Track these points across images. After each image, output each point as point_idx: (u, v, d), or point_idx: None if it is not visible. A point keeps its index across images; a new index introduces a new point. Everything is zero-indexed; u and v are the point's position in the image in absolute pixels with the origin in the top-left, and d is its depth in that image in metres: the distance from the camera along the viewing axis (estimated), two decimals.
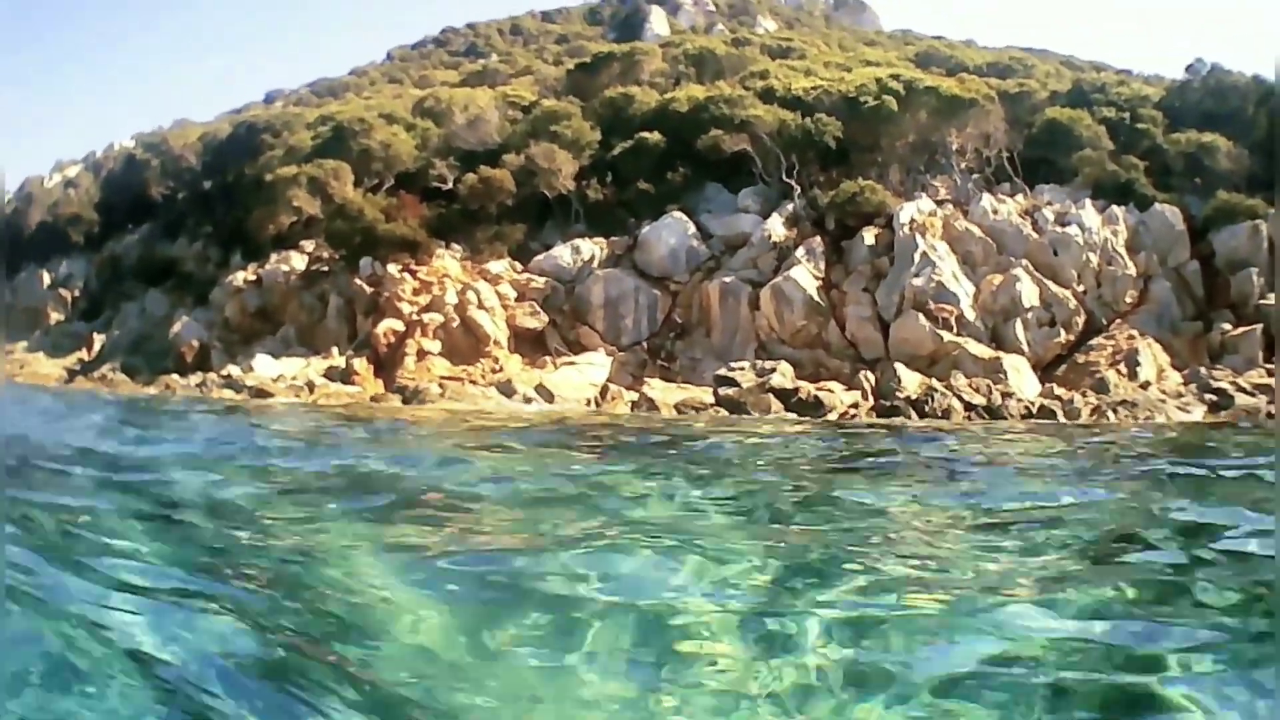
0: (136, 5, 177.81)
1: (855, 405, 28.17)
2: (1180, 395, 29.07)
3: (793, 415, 26.79)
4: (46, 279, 54.20)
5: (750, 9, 78.40)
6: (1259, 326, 31.77)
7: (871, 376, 29.74)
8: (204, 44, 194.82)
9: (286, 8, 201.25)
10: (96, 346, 45.32)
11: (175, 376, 36.13)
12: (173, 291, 45.53)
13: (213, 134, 55.12)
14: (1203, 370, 30.45)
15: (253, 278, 40.03)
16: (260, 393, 31.99)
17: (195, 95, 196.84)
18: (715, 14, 76.07)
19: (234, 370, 35.20)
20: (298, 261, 39.28)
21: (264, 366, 34.98)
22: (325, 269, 38.13)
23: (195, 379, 35.10)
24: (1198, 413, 27.39)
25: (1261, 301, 32.58)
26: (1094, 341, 32.52)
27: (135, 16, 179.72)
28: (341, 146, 40.39)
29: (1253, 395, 28.27)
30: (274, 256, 39.89)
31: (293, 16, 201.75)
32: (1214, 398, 28.26)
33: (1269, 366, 30.63)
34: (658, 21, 72.01)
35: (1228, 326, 32.47)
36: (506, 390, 30.43)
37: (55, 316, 52.14)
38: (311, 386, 32.58)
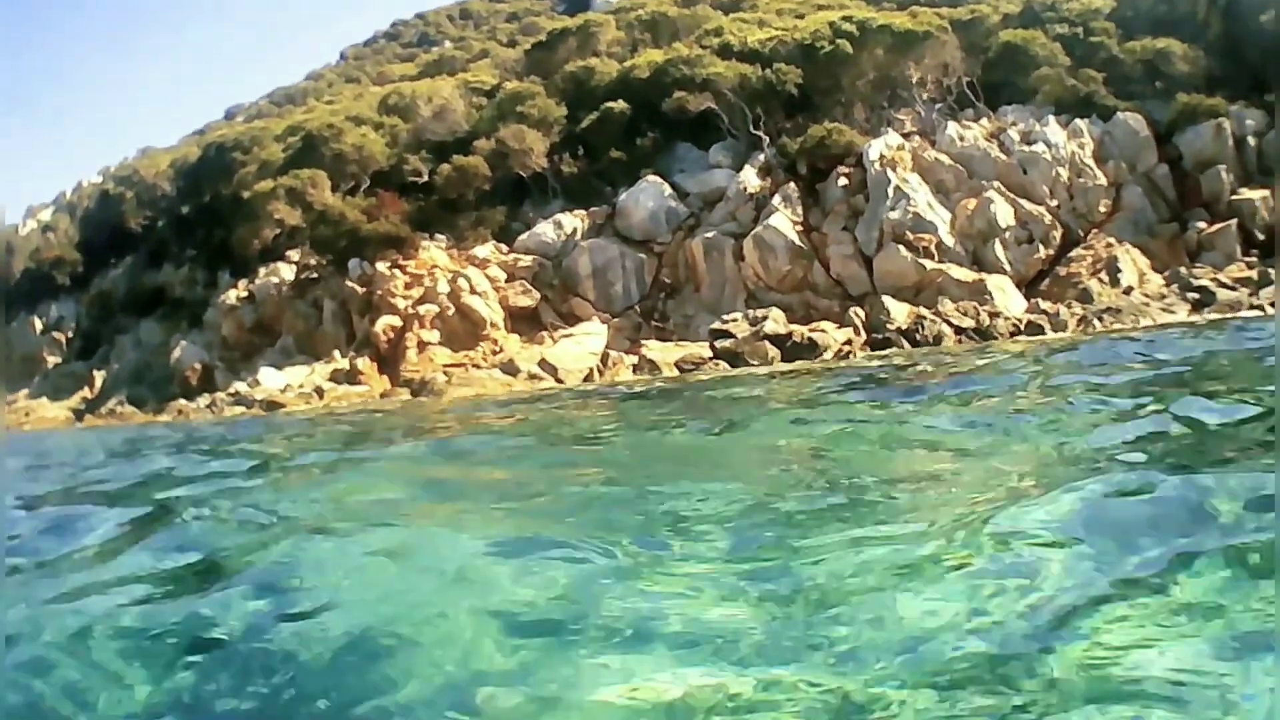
0: (77, 38, 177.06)
1: (849, 342, 28.82)
2: (1163, 297, 29.73)
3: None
4: (39, 325, 54.38)
5: None
6: (1233, 222, 32.42)
7: (861, 312, 30.39)
8: (154, 69, 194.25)
9: (233, 21, 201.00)
10: (99, 383, 45.64)
11: (184, 401, 36.50)
12: (166, 318, 45.91)
13: (182, 158, 55.33)
14: (1183, 270, 31.12)
15: (245, 294, 40.48)
16: (271, 404, 32.42)
17: (153, 121, 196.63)
18: None
19: (240, 386, 35.63)
20: (286, 272, 39.76)
21: (270, 378, 35.41)
22: (315, 275, 38.63)
23: (205, 400, 35.48)
24: (1182, 312, 28.03)
25: (1233, 197, 33.22)
26: (1073, 253, 33.13)
27: (78, 49, 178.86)
28: (314, 154, 40.75)
29: (1233, 289, 28.94)
30: (262, 270, 40.35)
31: (241, 29, 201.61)
32: (1196, 296, 28.92)
33: (1248, 260, 31.24)
34: None
35: (1203, 225, 33.08)
36: (510, 370, 31.05)
37: (52, 360, 52.29)
38: (320, 392, 33.09)
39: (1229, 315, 26.42)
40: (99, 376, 46.12)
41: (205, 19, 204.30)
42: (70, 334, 53.32)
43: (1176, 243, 33.32)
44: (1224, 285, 29.32)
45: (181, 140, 65.53)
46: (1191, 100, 35.17)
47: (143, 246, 51.98)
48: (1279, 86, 32.78)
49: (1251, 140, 34.60)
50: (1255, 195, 32.95)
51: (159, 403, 38.08)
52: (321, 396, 32.71)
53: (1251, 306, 27.34)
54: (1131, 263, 32.16)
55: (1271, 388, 8.52)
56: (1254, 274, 29.77)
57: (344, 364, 34.98)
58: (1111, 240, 33.01)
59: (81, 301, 53.67)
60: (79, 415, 42.33)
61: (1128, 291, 30.67)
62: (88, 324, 52.18)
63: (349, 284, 36.75)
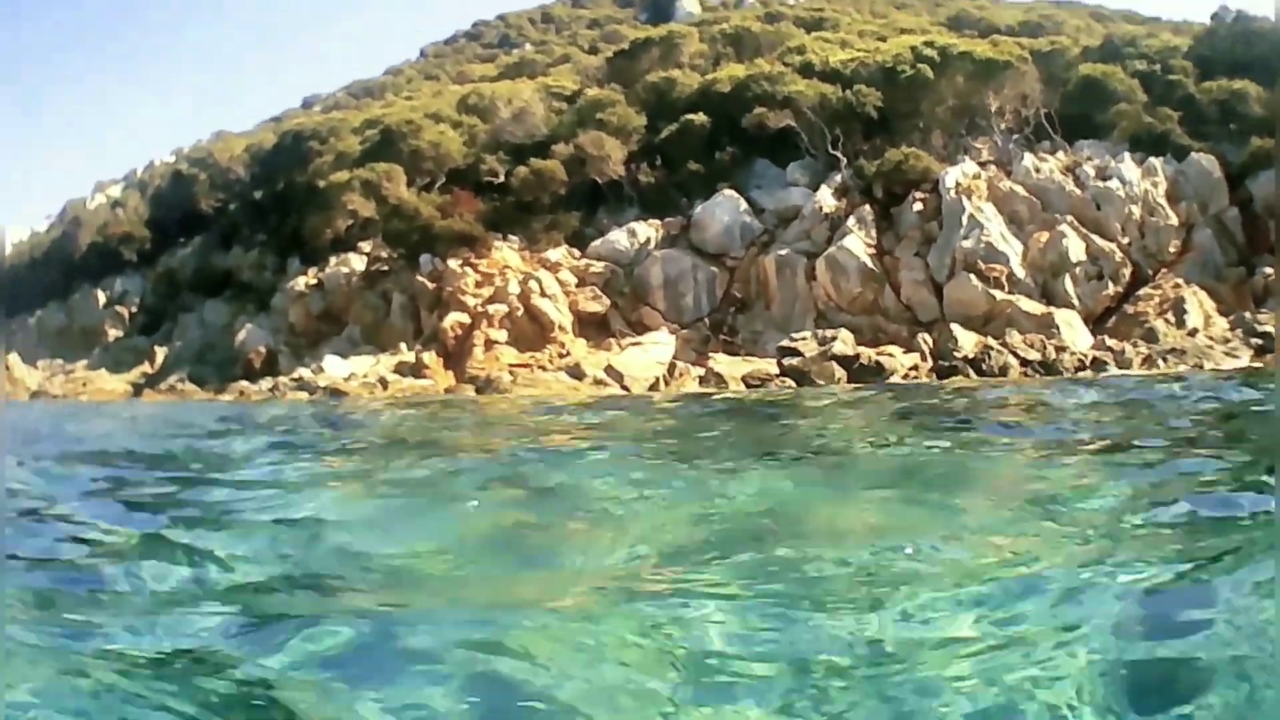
0: (158, 20, 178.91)
1: (915, 367, 28.78)
2: (1227, 341, 29.54)
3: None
4: (102, 298, 55.19)
5: None
6: None
7: (929, 338, 30.34)
8: (234, 54, 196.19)
9: (316, 12, 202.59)
10: (159, 359, 46.24)
11: (245, 383, 37.01)
12: (232, 300, 46.55)
13: (258, 144, 56.12)
14: (1247, 315, 30.90)
15: (314, 281, 41.02)
16: (334, 392, 32.80)
17: (230, 105, 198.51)
18: None
19: (304, 372, 36.03)
20: (357, 263, 40.26)
21: (334, 366, 35.77)
22: (385, 268, 39.10)
23: (267, 383, 35.98)
24: (1244, 358, 27.77)
25: None
26: (1141, 292, 32.98)
27: (159, 31, 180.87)
28: (391, 148, 41.32)
29: None
30: (333, 259, 40.89)
31: (323, 20, 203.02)
32: (1259, 342, 28.65)
33: None
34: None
35: (1269, 270, 32.81)
36: (576, 374, 31.29)
37: (114, 333, 53.01)
38: (384, 382, 33.43)
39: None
40: (160, 352, 46.73)
41: (281, 11, 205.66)
42: (134, 309, 53.98)
43: (1243, 287, 33.13)
44: None
45: (257, 126, 66.51)
46: (1265, 144, 34.96)
47: (214, 228, 52.71)
48: None
49: None
50: None
51: (220, 383, 38.60)
52: (385, 387, 33.04)
53: None
54: (1198, 305, 32.01)
55: None
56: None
57: (409, 357, 35.33)
58: (1179, 281, 32.87)
59: (148, 278, 54.37)
60: (138, 389, 42.91)
61: (1193, 333, 30.54)
62: (152, 300, 52.87)
63: (419, 279, 37.19)
